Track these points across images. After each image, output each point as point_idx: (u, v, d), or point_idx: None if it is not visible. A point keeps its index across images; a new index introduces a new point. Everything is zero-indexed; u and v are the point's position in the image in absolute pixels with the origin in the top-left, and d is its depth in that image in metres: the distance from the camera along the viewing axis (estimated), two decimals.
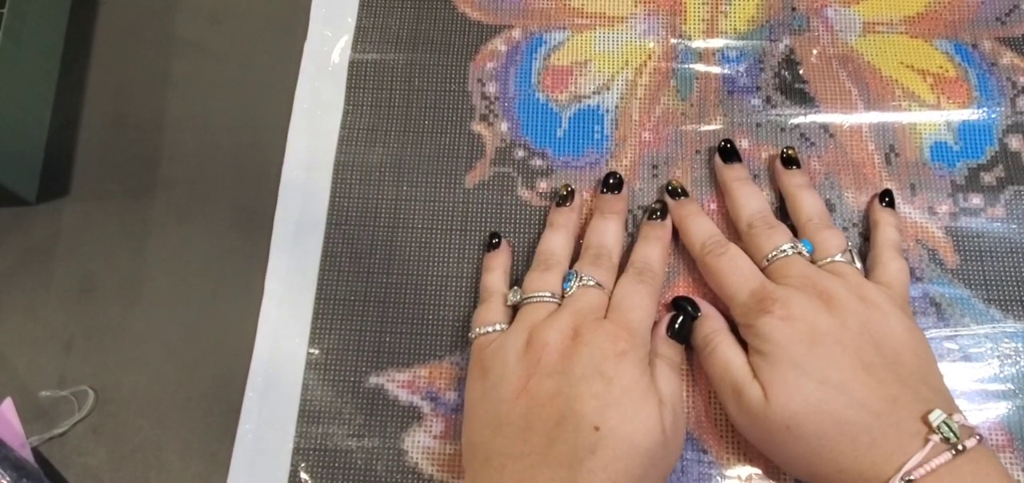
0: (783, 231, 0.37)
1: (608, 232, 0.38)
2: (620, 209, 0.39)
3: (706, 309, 0.37)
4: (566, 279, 0.36)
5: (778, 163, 0.40)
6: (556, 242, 0.38)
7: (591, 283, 0.36)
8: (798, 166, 0.40)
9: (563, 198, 0.40)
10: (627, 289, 0.36)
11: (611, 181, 0.40)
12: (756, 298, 0.34)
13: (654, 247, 0.38)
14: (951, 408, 0.31)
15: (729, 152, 0.40)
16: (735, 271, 0.36)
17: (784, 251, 0.36)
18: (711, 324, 0.36)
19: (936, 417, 0.30)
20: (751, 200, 0.38)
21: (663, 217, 0.39)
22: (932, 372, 0.33)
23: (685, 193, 0.40)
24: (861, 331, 0.33)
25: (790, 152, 0.40)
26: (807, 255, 0.36)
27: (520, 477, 0.30)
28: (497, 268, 0.39)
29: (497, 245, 0.39)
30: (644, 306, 0.35)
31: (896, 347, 0.32)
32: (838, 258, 0.36)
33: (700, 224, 0.38)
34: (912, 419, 0.30)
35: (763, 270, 0.36)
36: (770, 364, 0.33)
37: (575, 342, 0.33)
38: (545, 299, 0.36)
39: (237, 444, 0.38)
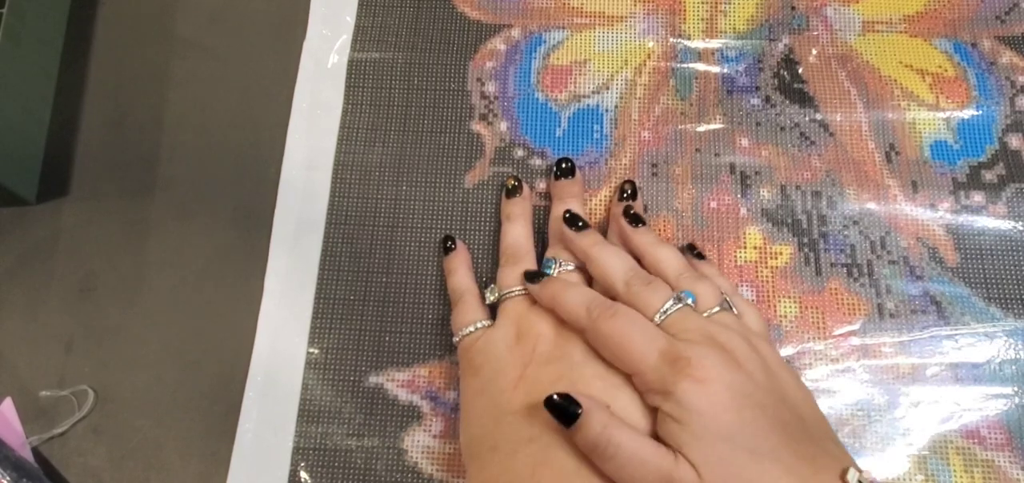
0: (663, 285, 0.34)
1: None
2: (577, 192, 0.39)
3: (586, 403, 0.30)
4: (545, 266, 0.36)
5: (623, 223, 0.37)
6: (518, 233, 0.38)
7: (570, 267, 0.36)
8: (644, 223, 0.37)
9: (513, 189, 0.40)
10: None
11: (564, 167, 0.39)
12: (669, 359, 0.30)
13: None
14: (852, 461, 0.30)
15: (575, 221, 0.36)
16: (637, 332, 0.31)
17: (675, 306, 0.32)
18: (598, 418, 0.29)
19: (852, 476, 0.29)
20: (618, 259, 0.35)
21: (633, 197, 0.39)
22: (825, 421, 0.32)
23: (540, 275, 0.35)
24: (769, 388, 0.30)
25: (633, 210, 0.37)
26: (694, 306, 0.33)
27: (534, 459, 0.30)
28: (460, 267, 0.39)
29: (453, 247, 0.39)
30: None
31: (796, 400, 0.31)
32: (716, 309, 0.33)
33: (575, 293, 0.34)
34: (832, 479, 0.29)
35: None
36: (696, 438, 0.29)
37: (567, 329, 0.34)
38: (524, 292, 0.36)
39: (237, 443, 0.38)
